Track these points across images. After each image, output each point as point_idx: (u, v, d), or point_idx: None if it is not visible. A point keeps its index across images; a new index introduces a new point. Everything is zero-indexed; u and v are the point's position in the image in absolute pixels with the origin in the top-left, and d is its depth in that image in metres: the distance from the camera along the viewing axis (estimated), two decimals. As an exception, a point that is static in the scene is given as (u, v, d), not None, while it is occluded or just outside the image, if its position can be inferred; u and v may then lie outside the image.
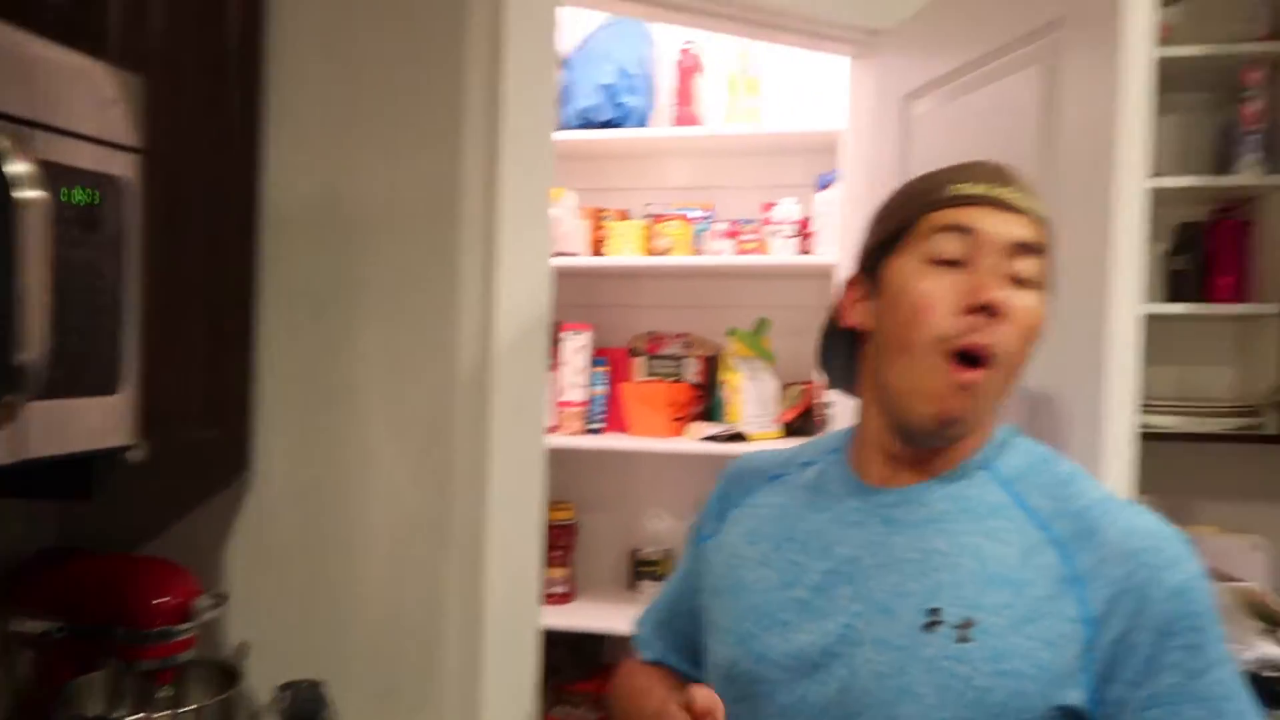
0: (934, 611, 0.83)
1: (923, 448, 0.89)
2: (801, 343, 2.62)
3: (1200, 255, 2.25)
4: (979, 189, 0.88)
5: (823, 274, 2.45)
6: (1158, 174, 2.14)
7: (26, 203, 0.90)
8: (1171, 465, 2.29)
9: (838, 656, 0.85)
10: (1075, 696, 0.79)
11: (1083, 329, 1.26)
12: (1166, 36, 2.10)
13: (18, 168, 0.90)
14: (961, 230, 0.87)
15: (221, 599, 1.33)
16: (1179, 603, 0.79)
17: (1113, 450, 1.22)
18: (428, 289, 1.43)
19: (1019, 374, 0.87)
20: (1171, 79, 2.15)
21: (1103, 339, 1.23)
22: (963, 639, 0.81)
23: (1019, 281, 0.86)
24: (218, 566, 1.48)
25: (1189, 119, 2.29)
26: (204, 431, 1.36)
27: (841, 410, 2.01)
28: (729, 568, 0.97)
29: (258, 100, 1.45)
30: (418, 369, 1.43)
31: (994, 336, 0.84)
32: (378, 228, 1.45)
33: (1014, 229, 0.87)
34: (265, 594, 1.47)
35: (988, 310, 0.84)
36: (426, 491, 1.42)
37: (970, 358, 0.84)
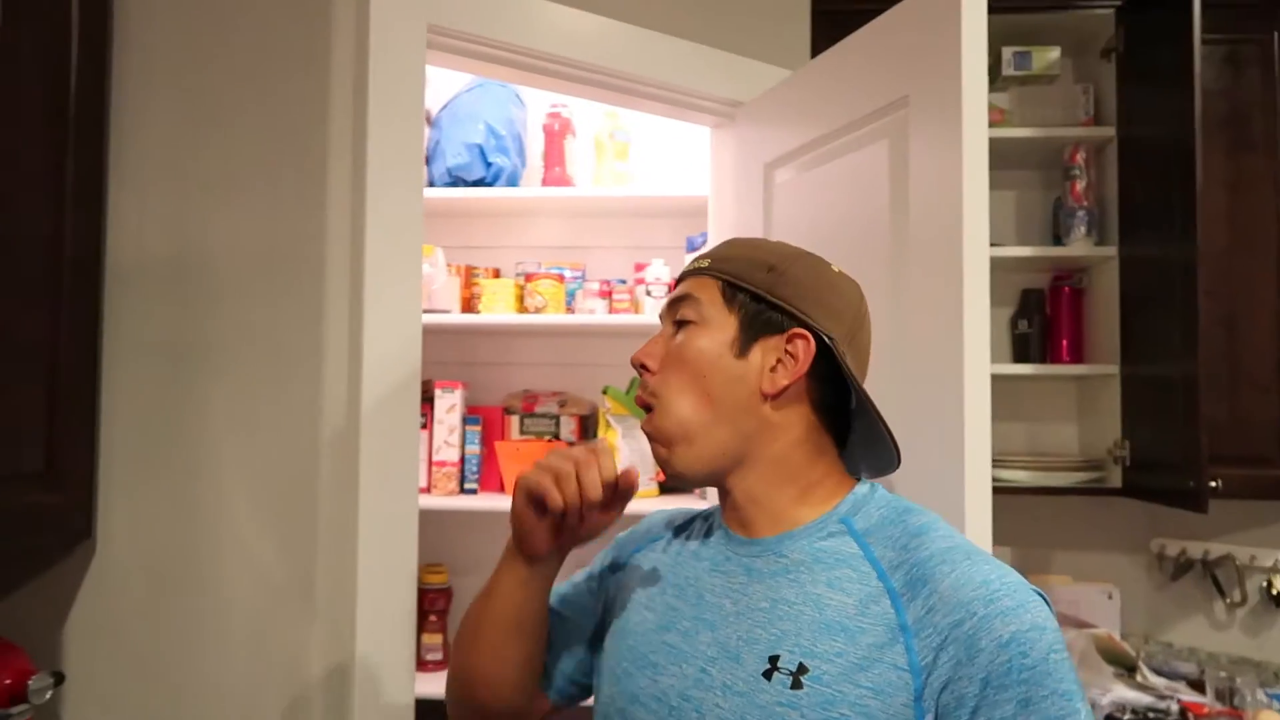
0: (773, 659, 0.86)
1: (684, 489, 1.00)
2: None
3: (1043, 319, 2.41)
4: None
5: (693, 333, 2.50)
6: (1000, 243, 2.30)
7: None
8: (1025, 517, 2.43)
9: (690, 700, 0.89)
10: None
11: (938, 389, 1.32)
12: (999, 119, 2.28)
13: None
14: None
15: (59, 678, 1.23)
16: (1008, 654, 0.78)
17: (973, 501, 1.28)
18: (289, 346, 1.39)
19: (700, 389, 0.95)
20: (1006, 157, 2.33)
21: (960, 397, 1.30)
22: (795, 685, 0.84)
23: (678, 323, 0.98)
24: (55, 644, 1.37)
25: (1024, 195, 2.47)
26: (41, 495, 1.27)
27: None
28: (621, 606, 1.03)
29: (102, 146, 1.39)
30: (278, 429, 1.38)
31: (647, 388, 0.97)
32: (234, 282, 1.40)
33: (677, 290, 1.01)
34: (107, 673, 1.37)
35: (639, 368, 0.99)
36: (289, 559, 1.36)
37: (645, 407, 0.98)
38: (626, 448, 2.49)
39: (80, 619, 1.38)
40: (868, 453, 1.02)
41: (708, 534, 1.01)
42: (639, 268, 2.59)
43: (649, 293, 2.53)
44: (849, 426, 1.01)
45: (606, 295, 2.57)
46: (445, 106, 2.60)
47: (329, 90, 1.41)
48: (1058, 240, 2.37)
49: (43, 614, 1.38)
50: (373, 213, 1.42)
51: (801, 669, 0.84)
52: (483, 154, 2.55)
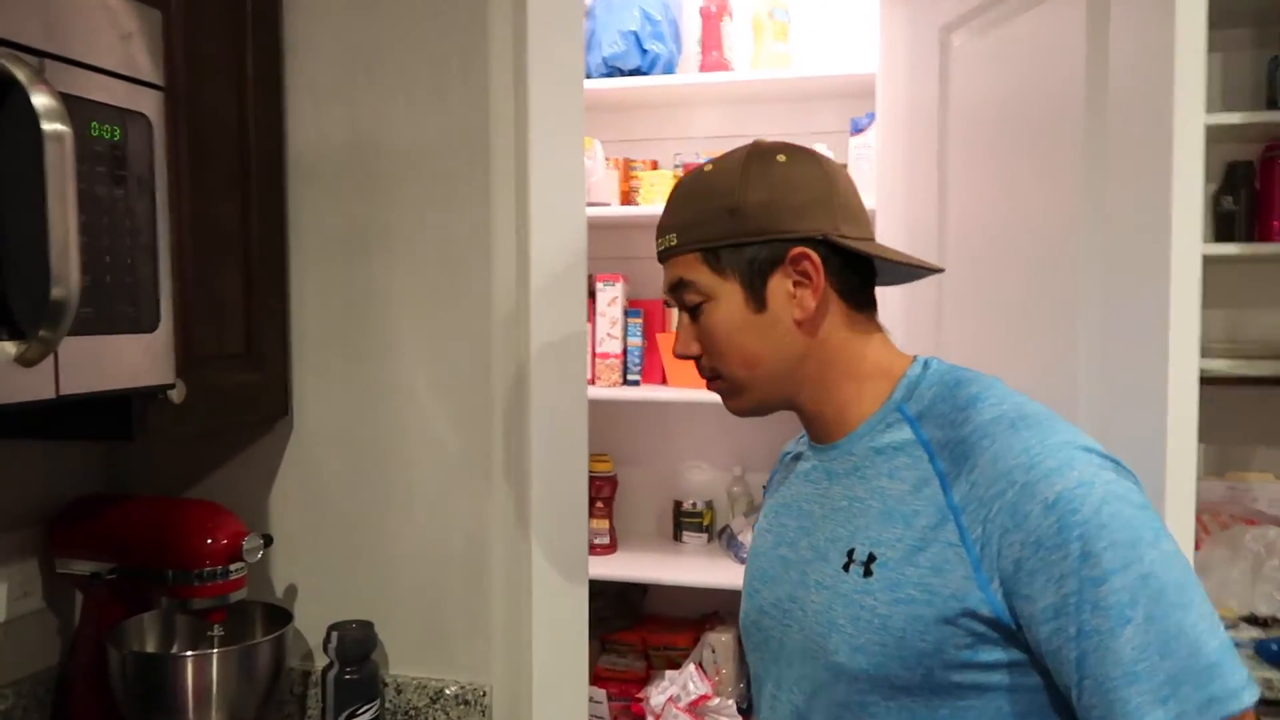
0: (849, 552, 0.90)
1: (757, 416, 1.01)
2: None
3: (1250, 194, 2.19)
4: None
5: (858, 219, 2.41)
6: (1205, 111, 2.08)
7: (53, 136, 0.89)
8: (1225, 411, 2.25)
9: (796, 601, 0.95)
10: (981, 609, 0.81)
11: (1144, 271, 1.22)
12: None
13: (42, 100, 0.89)
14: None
15: (268, 540, 1.34)
16: (1056, 513, 0.78)
17: (1177, 393, 1.19)
18: (461, 233, 1.42)
19: (744, 354, 0.96)
20: (1214, 14, 2.08)
21: (1167, 280, 1.19)
22: (867, 573, 0.88)
23: (690, 310, 0.98)
24: (262, 511, 1.49)
25: (1232, 55, 2.22)
26: (243, 375, 1.36)
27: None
28: (757, 534, 1.10)
29: (278, 40, 1.43)
30: (453, 313, 1.42)
31: (704, 368, 1.00)
32: (405, 173, 1.43)
33: (667, 277, 0.99)
34: (310, 537, 1.48)
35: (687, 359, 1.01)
36: (467, 435, 1.42)
37: (715, 388, 1.01)
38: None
39: (282, 488, 1.49)
40: (898, 276, 1.03)
41: (803, 452, 1.06)
42: (800, 154, 2.49)
43: (811, 179, 2.45)
44: (871, 283, 0.99)
45: (767, 183, 2.50)
46: (599, -7, 2.55)
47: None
48: (1272, 104, 2.13)
49: (250, 484, 1.49)
50: (535, 100, 1.41)
51: (871, 558, 0.88)
52: (638, 41, 2.50)
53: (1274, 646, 1.85)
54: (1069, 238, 1.36)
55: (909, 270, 0.99)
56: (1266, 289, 2.26)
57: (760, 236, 0.92)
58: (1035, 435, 0.82)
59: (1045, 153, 1.42)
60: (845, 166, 0.98)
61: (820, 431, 0.99)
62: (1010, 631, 0.81)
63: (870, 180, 2.35)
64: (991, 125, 1.59)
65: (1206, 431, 2.22)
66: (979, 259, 1.62)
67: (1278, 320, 2.26)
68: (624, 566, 2.52)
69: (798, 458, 1.07)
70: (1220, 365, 2.10)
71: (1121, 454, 1.24)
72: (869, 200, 2.23)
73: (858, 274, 0.95)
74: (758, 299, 0.94)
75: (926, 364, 0.96)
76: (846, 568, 0.90)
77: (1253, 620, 1.96)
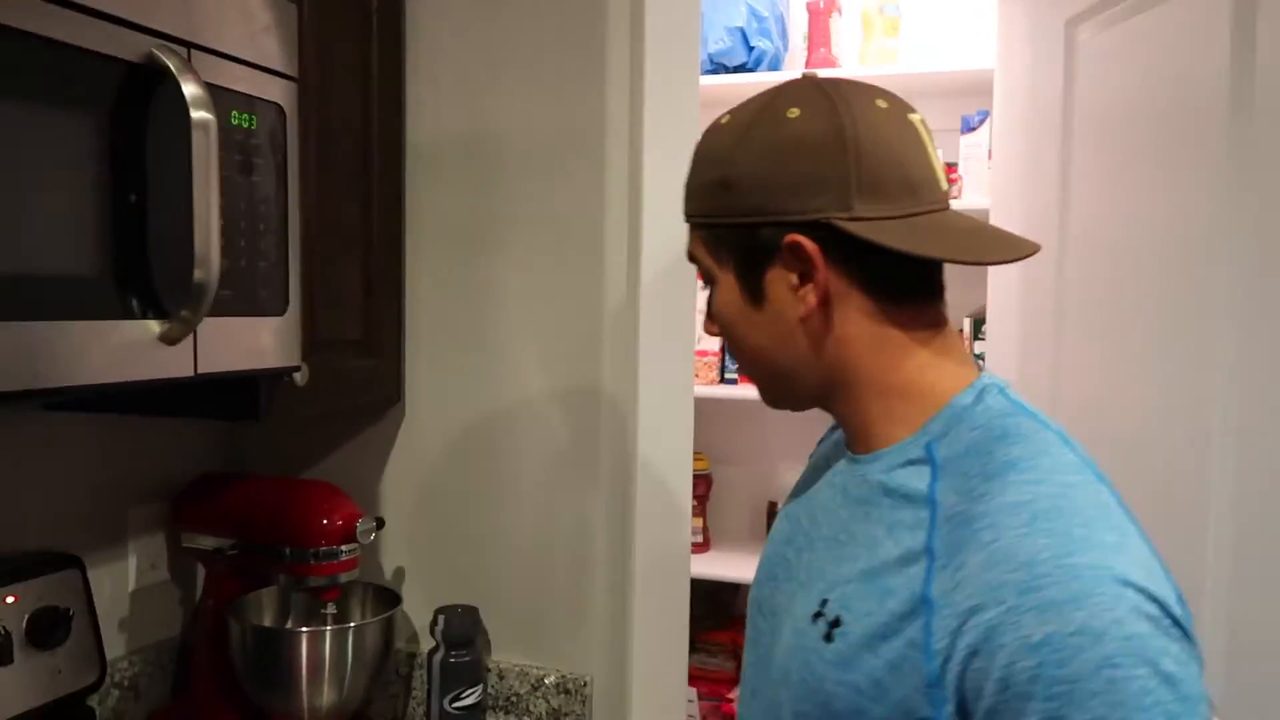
0: (823, 601, 0.76)
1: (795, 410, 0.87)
2: (946, 293, 2.53)
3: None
4: None
5: (968, 220, 2.35)
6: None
7: (200, 123, 0.93)
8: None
9: (780, 624, 0.83)
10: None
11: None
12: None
13: (191, 88, 0.93)
14: None
15: (380, 523, 1.38)
16: (1036, 659, 0.61)
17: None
18: (574, 225, 1.43)
19: (750, 349, 0.83)
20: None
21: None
22: (828, 638, 0.74)
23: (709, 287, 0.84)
24: (374, 494, 1.53)
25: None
26: (360, 361, 1.40)
27: (992, 364, 1.92)
28: (780, 514, 0.96)
29: (401, 35, 1.46)
30: (563, 305, 1.43)
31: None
32: (521, 167, 1.45)
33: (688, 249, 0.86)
34: (420, 522, 1.51)
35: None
36: (574, 426, 1.43)
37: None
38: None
39: (393, 473, 1.52)
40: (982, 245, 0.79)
41: (838, 441, 0.90)
42: (908, 152, 2.44)
43: (919, 178, 2.40)
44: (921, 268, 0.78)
45: (873, 182, 2.46)
46: (707, -10, 2.54)
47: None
48: None
49: (362, 467, 1.53)
50: (650, 96, 1.41)
51: (837, 622, 0.74)
52: (744, 38, 2.48)
53: None
54: (1208, 244, 1.29)
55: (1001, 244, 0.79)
56: None
57: (752, 218, 0.77)
58: (1054, 545, 0.64)
59: (1181, 159, 1.35)
60: (907, 116, 0.77)
61: (850, 439, 0.83)
62: None
63: (982, 181, 2.29)
64: (1120, 127, 1.52)
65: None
66: (1103, 270, 1.55)
67: None
68: (717, 565, 2.51)
69: (827, 439, 0.96)
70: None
71: (1263, 478, 1.16)
72: (980, 202, 2.17)
73: (893, 257, 0.74)
74: (754, 292, 0.79)
75: (984, 392, 0.76)
76: (815, 618, 0.76)
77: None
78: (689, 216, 0.84)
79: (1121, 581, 0.62)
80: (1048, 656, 0.60)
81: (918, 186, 0.75)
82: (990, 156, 2.19)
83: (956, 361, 0.79)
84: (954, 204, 2.32)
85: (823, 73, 2.46)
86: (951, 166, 2.41)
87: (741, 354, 0.85)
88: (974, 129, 2.36)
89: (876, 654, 0.70)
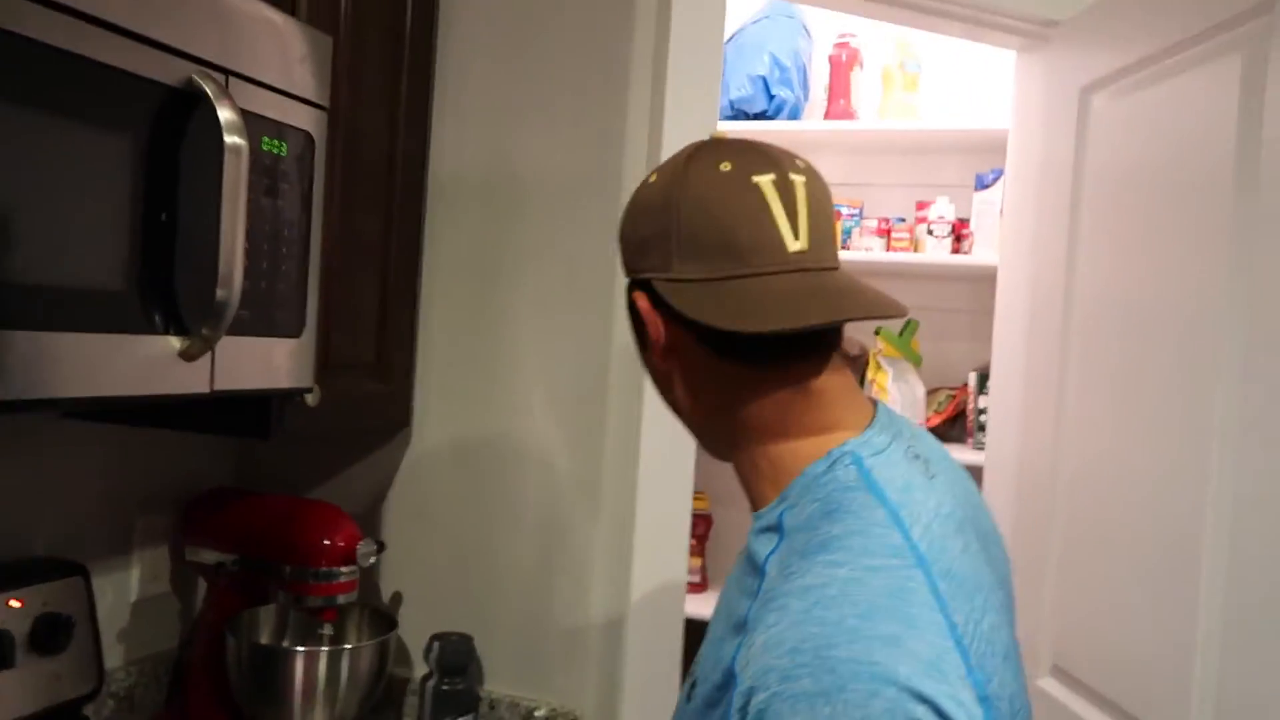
0: (696, 663, 0.77)
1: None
2: (951, 347, 2.55)
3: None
4: None
5: (978, 276, 2.38)
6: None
7: (232, 148, 0.96)
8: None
9: None
10: None
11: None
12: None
13: (227, 114, 0.96)
14: None
15: (381, 546, 1.39)
16: None
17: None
18: (586, 261, 1.46)
19: (685, 415, 0.84)
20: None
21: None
22: (689, 698, 0.75)
23: None
24: (376, 517, 1.54)
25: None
26: (372, 384, 1.42)
27: (995, 418, 1.94)
28: None
29: (430, 72, 1.51)
30: (573, 339, 1.46)
31: None
32: (541, 202, 1.48)
33: None
34: (419, 547, 1.52)
35: None
36: (578, 459, 1.45)
37: None
38: (896, 390, 2.42)
39: (397, 497, 1.54)
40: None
41: None
42: (921, 206, 2.48)
43: (930, 231, 2.43)
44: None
45: (884, 234, 2.49)
46: (731, 38, 2.59)
47: (633, 21, 1.44)
48: None
49: (366, 490, 1.55)
50: (669, 138, 1.44)
51: (694, 684, 0.74)
52: (766, 86, 2.53)
53: None
54: (1210, 317, 1.31)
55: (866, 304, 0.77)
56: None
57: (627, 275, 0.82)
58: (821, 634, 0.62)
59: (1189, 228, 1.37)
60: (751, 179, 0.76)
61: (750, 500, 0.82)
62: None
63: (994, 238, 2.32)
64: (1130, 192, 1.55)
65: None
66: (1109, 332, 1.57)
67: None
68: (712, 606, 2.50)
69: None
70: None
71: (1255, 541, 1.17)
72: (991, 258, 2.20)
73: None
74: (639, 339, 0.84)
75: (837, 461, 0.74)
76: (687, 677, 0.78)
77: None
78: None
79: (880, 679, 0.60)
80: None
81: (742, 249, 0.75)
82: (1002, 214, 2.22)
83: (826, 420, 0.77)
84: (963, 259, 2.31)
85: (832, 125, 2.51)
86: (964, 222, 2.44)
87: (668, 399, 0.86)
88: (988, 186, 2.40)
89: (707, 702, 0.71)
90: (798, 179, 0.77)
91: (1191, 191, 1.38)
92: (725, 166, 0.77)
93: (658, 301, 0.78)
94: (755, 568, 0.73)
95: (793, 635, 0.64)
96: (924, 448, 0.80)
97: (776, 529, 0.74)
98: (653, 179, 0.81)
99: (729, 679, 0.68)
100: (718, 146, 0.81)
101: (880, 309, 0.75)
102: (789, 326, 0.73)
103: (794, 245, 0.75)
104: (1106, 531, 1.52)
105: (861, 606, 0.64)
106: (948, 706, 0.60)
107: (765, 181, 0.76)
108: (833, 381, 0.79)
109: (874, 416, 0.79)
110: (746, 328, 0.73)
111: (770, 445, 0.77)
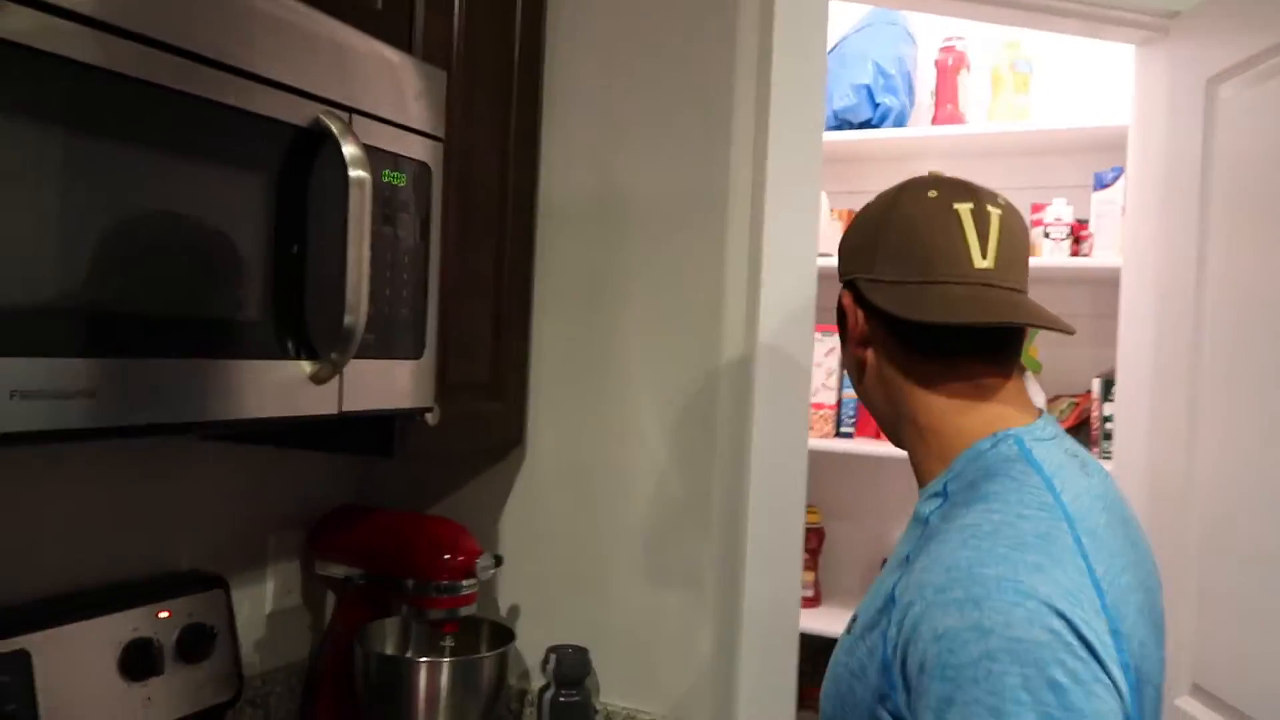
0: (858, 608, 0.90)
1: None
2: (1074, 354, 2.46)
3: None
4: None
5: (1099, 279, 2.29)
6: None
7: (357, 182, 1.01)
8: None
9: None
10: (888, 707, 0.79)
11: None
12: None
13: (351, 150, 1.01)
14: None
15: (498, 561, 1.43)
16: (938, 648, 0.73)
17: None
18: (694, 279, 1.47)
19: (871, 399, 0.98)
20: None
21: None
22: (848, 630, 0.89)
23: None
24: (493, 533, 1.58)
25: None
26: (487, 404, 1.46)
27: (1123, 426, 1.86)
28: None
29: (539, 100, 1.54)
30: (682, 357, 1.47)
31: None
32: (646, 222, 1.50)
33: None
34: (534, 562, 1.55)
35: None
36: (689, 476, 1.46)
37: None
38: (1015, 400, 2.34)
39: (512, 513, 1.58)
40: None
41: None
42: (1036, 208, 2.40)
43: (1047, 234, 2.35)
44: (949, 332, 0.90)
45: (998, 238, 2.42)
46: (833, 49, 2.57)
47: (735, 39, 1.45)
48: None
49: (483, 506, 1.59)
50: (774, 157, 1.44)
51: (855, 618, 0.89)
52: (870, 95, 2.50)
53: None
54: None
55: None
56: None
57: (841, 277, 0.98)
58: (975, 557, 0.75)
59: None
60: (953, 205, 0.90)
61: (915, 474, 0.96)
62: None
63: (1115, 239, 2.23)
64: (1264, 184, 1.47)
65: None
66: (1245, 330, 1.49)
67: None
68: (827, 621, 2.47)
69: None
70: None
71: None
72: (1112, 260, 2.11)
73: (926, 333, 0.90)
74: (843, 336, 0.99)
75: (1000, 440, 0.86)
76: (850, 624, 0.91)
77: None
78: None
79: (1023, 593, 0.72)
80: (945, 646, 0.73)
81: (933, 259, 0.89)
82: (1124, 214, 2.13)
83: (993, 412, 0.89)
84: (1082, 262, 2.23)
85: (940, 131, 2.46)
86: (1083, 223, 2.36)
87: (861, 394, 1.01)
88: (1107, 185, 2.31)
89: (865, 642, 0.84)
90: (994, 210, 0.91)
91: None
92: (932, 194, 0.92)
93: (859, 299, 0.94)
94: (920, 520, 0.87)
95: (949, 558, 0.77)
96: (1082, 453, 0.91)
97: (941, 494, 0.87)
98: (871, 201, 0.97)
99: (889, 603, 0.81)
100: (930, 179, 0.95)
101: (1044, 320, 0.87)
102: (945, 320, 0.87)
103: (981, 263, 0.88)
104: (1246, 543, 1.44)
105: (1012, 541, 0.76)
106: (1082, 627, 0.72)
107: (964, 208, 0.90)
108: (1004, 384, 0.91)
109: (1040, 418, 0.91)
110: (913, 316, 0.88)
111: (941, 427, 0.90)
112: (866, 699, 0.82)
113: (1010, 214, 0.92)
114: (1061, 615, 0.71)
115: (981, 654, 0.71)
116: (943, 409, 0.90)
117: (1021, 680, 0.69)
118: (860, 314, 0.94)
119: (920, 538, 0.84)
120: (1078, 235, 2.35)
